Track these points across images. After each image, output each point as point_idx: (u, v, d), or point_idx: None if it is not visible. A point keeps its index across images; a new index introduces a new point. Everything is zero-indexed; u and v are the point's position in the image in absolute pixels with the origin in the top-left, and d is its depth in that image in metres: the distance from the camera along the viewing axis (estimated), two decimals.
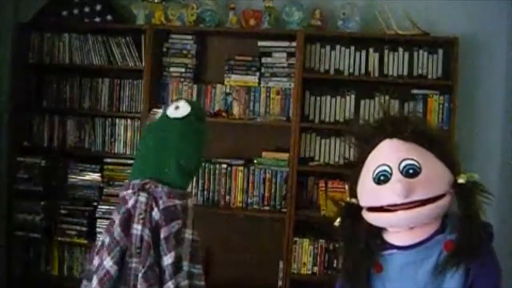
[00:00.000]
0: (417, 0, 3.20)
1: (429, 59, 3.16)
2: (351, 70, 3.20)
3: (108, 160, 3.37)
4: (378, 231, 1.49)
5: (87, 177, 3.38)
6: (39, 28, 3.41)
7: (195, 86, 3.35)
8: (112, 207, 3.14)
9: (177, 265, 1.89)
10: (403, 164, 1.40)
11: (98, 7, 3.34)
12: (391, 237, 1.47)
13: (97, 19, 3.34)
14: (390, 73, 3.18)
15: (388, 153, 1.45)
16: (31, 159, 3.38)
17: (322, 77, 3.23)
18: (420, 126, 1.51)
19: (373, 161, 1.48)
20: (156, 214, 1.91)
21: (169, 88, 3.36)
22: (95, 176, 3.37)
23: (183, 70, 3.35)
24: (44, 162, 3.38)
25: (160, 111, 2.23)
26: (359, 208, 1.50)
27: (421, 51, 3.16)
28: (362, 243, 1.48)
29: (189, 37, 3.35)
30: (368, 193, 1.47)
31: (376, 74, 3.18)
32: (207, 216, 3.28)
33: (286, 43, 3.25)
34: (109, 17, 3.33)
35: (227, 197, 3.29)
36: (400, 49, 3.17)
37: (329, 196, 3.10)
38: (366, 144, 1.53)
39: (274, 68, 3.28)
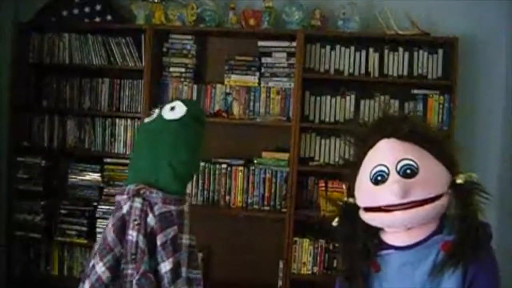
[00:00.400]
0: (417, 0, 3.20)
1: (429, 59, 3.16)
2: (351, 70, 3.20)
3: (108, 160, 3.37)
4: (375, 231, 1.49)
5: (87, 177, 3.38)
6: (39, 28, 3.41)
7: (195, 86, 3.35)
8: (112, 207, 3.14)
9: (175, 272, 1.87)
10: (400, 164, 1.40)
11: (98, 7, 3.34)
12: (388, 237, 1.47)
13: (97, 19, 3.34)
14: (390, 73, 3.18)
15: (385, 153, 1.44)
16: (31, 159, 3.38)
17: (322, 77, 3.22)
18: (418, 126, 1.50)
19: (370, 161, 1.47)
20: (151, 220, 1.88)
21: (169, 88, 3.36)
22: (95, 176, 3.37)
23: (183, 70, 3.35)
24: (44, 162, 3.38)
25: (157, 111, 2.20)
26: (356, 208, 1.50)
27: (421, 51, 3.16)
28: (360, 243, 1.48)
29: (189, 37, 3.35)
30: (365, 193, 1.47)
31: (376, 74, 3.18)
32: (207, 216, 3.28)
33: (286, 43, 3.25)
34: (109, 17, 3.33)
35: (227, 197, 3.29)
36: (400, 49, 3.17)
37: (326, 195, 3.10)
38: (364, 144, 1.53)
39: (274, 68, 3.28)
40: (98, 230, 3.28)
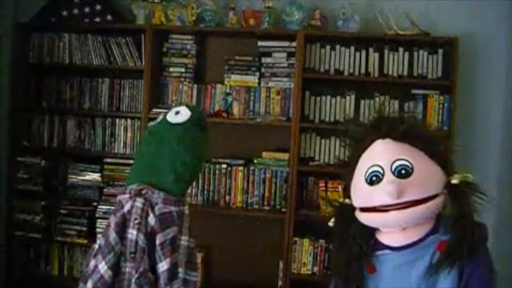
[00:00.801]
0: (417, 0, 3.20)
1: (429, 59, 3.16)
2: (351, 70, 3.20)
3: (108, 160, 3.37)
4: (371, 232, 1.49)
5: (87, 177, 3.38)
6: (39, 28, 3.41)
7: (195, 86, 3.35)
8: (112, 207, 3.14)
9: (172, 272, 1.87)
10: (395, 164, 1.40)
11: (98, 7, 3.34)
12: (384, 238, 1.47)
13: (97, 19, 3.34)
14: (390, 73, 3.18)
15: (380, 153, 1.45)
16: (31, 159, 3.38)
17: (322, 77, 3.22)
18: (413, 126, 1.50)
19: (365, 162, 1.47)
20: (151, 220, 1.89)
21: (169, 88, 3.36)
22: (95, 176, 3.37)
23: (183, 70, 3.35)
24: (44, 162, 3.38)
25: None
26: (352, 208, 1.50)
27: (421, 51, 3.16)
28: (355, 244, 1.48)
29: (189, 37, 3.35)
30: (360, 193, 1.47)
31: (376, 74, 3.18)
32: (207, 216, 3.28)
33: (286, 43, 3.25)
34: (109, 17, 3.33)
35: (227, 197, 3.29)
36: (400, 49, 3.17)
37: (323, 196, 3.10)
38: (359, 145, 1.53)
39: (274, 68, 3.28)
40: (98, 230, 3.28)
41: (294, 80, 3.16)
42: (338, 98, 3.23)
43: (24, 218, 3.37)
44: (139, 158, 2.10)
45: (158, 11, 3.28)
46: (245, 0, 3.33)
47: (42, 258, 3.44)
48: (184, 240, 1.93)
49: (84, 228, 3.36)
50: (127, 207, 1.92)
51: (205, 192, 3.30)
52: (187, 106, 2.12)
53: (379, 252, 1.46)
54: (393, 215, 1.37)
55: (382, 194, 1.38)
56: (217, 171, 3.29)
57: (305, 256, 3.20)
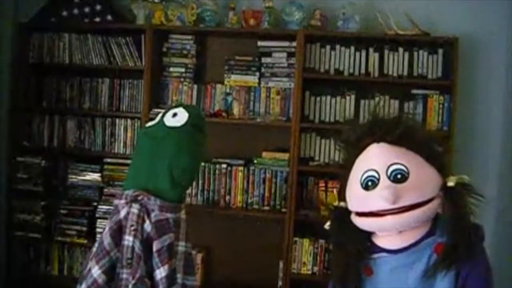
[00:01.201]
0: (417, 0, 3.20)
1: (429, 59, 3.16)
2: (351, 70, 3.20)
3: (108, 160, 3.37)
4: (367, 235, 1.49)
5: (87, 177, 3.38)
6: (39, 28, 3.41)
7: (195, 86, 3.35)
8: (112, 207, 3.14)
9: (171, 278, 1.87)
10: (390, 169, 1.39)
11: (98, 7, 3.33)
12: (380, 241, 1.46)
13: (97, 19, 3.34)
14: (390, 73, 3.18)
15: (376, 157, 1.43)
16: (31, 159, 3.37)
17: (322, 77, 3.22)
18: (409, 129, 1.47)
19: (360, 166, 1.46)
20: (147, 226, 1.89)
21: (169, 88, 3.36)
22: (95, 176, 3.37)
23: (183, 70, 3.35)
24: (44, 162, 3.37)
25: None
26: (348, 211, 1.49)
27: (421, 51, 3.16)
28: (352, 247, 1.47)
29: (189, 37, 3.35)
30: (356, 198, 1.46)
31: (376, 74, 3.18)
32: (207, 216, 3.28)
33: (286, 43, 3.25)
34: (109, 17, 3.33)
35: (227, 197, 3.29)
36: (400, 49, 3.17)
37: (320, 198, 3.10)
38: (354, 148, 1.51)
39: (274, 68, 3.28)
40: (98, 230, 3.28)
41: (294, 80, 3.16)
42: (338, 98, 3.23)
43: (24, 218, 3.37)
44: (136, 161, 2.08)
45: (158, 11, 3.28)
46: (245, 0, 3.32)
47: (42, 258, 3.44)
48: (181, 246, 1.93)
49: (84, 228, 3.36)
50: (123, 213, 1.91)
51: (205, 192, 3.30)
52: (184, 107, 2.08)
53: (375, 255, 1.46)
54: (389, 219, 1.37)
55: (378, 199, 1.37)
56: (217, 171, 3.29)
57: (305, 256, 3.20)
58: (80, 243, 3.38)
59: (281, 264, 3.19)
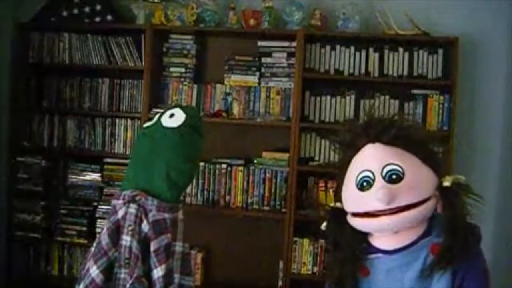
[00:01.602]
0: (417, 0, 3.20)
1: (429, 59, 3.16)
2: (351, 70, 3.20)
3: (108, 160, 3.37)
4: (363, 235, 1.49)
5: (87, 177, 3.38)
6: (39, 28, 3.41)
7: (195, 86, 3.35)
8: (110, 207, 3.14)
9: (168, 278, 1.88)
10: (385, 169, 1.39)
11: (98, 7, 3.34)
12: (376, 241, 1.46)
13: (97, 19, 3.34)
14: (390, 73, 3.18)
15: (371, 158, 1.43)
16: (31, 159, 3.37)
17: (322, 77, 3.22)
18: (404, 130, 1.47)
19: (356, 166, 1.46)
20: (145, 226, 1.89)
21: (169, 88, 3.36)
22: (95, 176, 3.37)
23: (183, 70, 3.35)
24: (44, 162, 3.38)
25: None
26: (344, 212, 1.49)
27: (421, 51, 3.16)
28: (348, 247, 1.47)
29: (189, 37, 3.35)
30: (351, 199, 1.46)
31: (376, 74, 3.18)
32: (207, 216, 3.29)
33: (286, 43, 3.25)
34: (109, 17, 3.33)
35: (227, 197, 3.29)
36: (400, 49, 3.17)
37: (313, 201, 3.10)
38: (349, 149, 1.51)
39: (274, 68, 3.28)
40: (98, 230, 3.27)
41: (294, 80, 3.16)
42: (338, 98, 3.23)
43: (24, 218, 3.37)
44: (133, 162, 2.08)
45: (158, 11, 3.28)
46: (245, 0, 3.32)
47: (42, 258, 3.44)
48: (178, 246, 1.93)
49: (84, 228, 3.36)
50: (120, 213, 1.92)
51: (205, 192, 3.30)
52: (182, 108, 2.07)
53: (372, 256, 1.46)
54: (384, 220, 1.36)
55: (373, 200, 1.36)
56: (217, 171, 3.29)
57: (305, 256, 3.20)
58: (80, 243, 3.38)
59: (281, 264, 3.19)
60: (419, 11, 3.15)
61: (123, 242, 1.89)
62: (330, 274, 1.56)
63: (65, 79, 3.42)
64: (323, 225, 1.55)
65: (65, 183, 3.41)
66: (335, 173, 1.58)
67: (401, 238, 1.41)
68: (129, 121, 3.37)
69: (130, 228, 1.88)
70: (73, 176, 3.39)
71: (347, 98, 3.22)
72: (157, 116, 2.09)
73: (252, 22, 3.22)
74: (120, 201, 1.94)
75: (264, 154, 3.29)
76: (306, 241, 3.20)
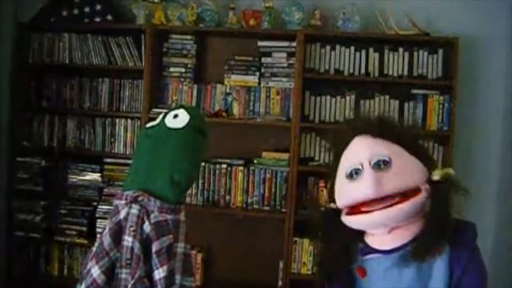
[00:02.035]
0: (417, 0, 3.20)
1: (429, 59, 3.16)
2: (351, 70, 3.20)
3: (108, 160, 3.37)
4: (360, 236, 1.49)
5: (87, 177, 3.38)
6: (39, 28, 3.41)
7: (195, 86, 3.35)
8: (112, 207, 3.14)
9: (169, 279, 1.87)
10: (373, 159, 1.41)
11: (98, 7, 3.34)
12: (373, 242, 1.46)
13: (97, 19, 3.34)
14: (390, 73, 3.18)
15: (359, 150, 1.46)
16: (31, 159, 3.37)
17: (322, 77, 3.22)
18: (391, 124, 1.52)
19: (345, 160, 1.49)
20: (147, 227, 1.89)
21: (169, 88, 3.36)
22: (95, 176, 3.37)
23: (183, 70, 3.35)
24: (44, 162, 3.38)
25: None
26: (338, 213, 1.49)
27: (421, 51, 3.16)
28: (342, 248, 1.47)
29: (189, 37, 3.35)
30: (342, 191, 1.48)
31: (376, 74, 3.18)
32: (207, 216, 3.29)
33: (286, 43, 3.25)
34: (109, 17, 3.33)
35: (227, 197, 3.29)
36: (400, 49, 3.17)
37: (312, 201, 3.10)
38: (339, 144, 1.54)
39: (274, 68, 3.28)
40: (98, 230, 3.28)
41: (294, 80, 3.16)
42: (338, 98, 3.23)
43: (24, 218, 3.37)
44: (136, 162, 2.08)
45: (158, 11, 3.28)
46: (245, 0, 3.32)
47: (42, 258, 3.44)
48: (180, 247, 1.93)
49: (84, 228, 3.36)
50: (123, 214, 1.91)
51: (205, 192, 3.30)
52: (186, 109, 2.06)
53: (369, 256, 1.46)
54: (376, 214, 1.37)
55: (362, 187, 1.38)
56: (217, 171, 3.29)
57: (305, 256, 3.20)
58: (80, 243, 3.38)
59: (281, 264, 3.19)
60: (419, 11, 3.16)
61: (125, 243, 1.89)
62: (327, 275, 1.56)
63: (65, 79, 3.42)
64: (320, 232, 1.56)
65: (65, 183, 3.41)
66: (328, 173, 1.58)
67: (397, 238, 1.41)
68: (129, 121, 3.37)
69: (131, 228, 1.88)
70: (73, 176, 3.39)
71: (347, 98, 3.22)
72: (160, 117, 2.08)
73: (252, 22, 3.22)
74: (123, 202, 1.93)
75: (264, 154, 3.29)
76: (306, 241, 3.20)
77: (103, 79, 3.40)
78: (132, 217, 1.89)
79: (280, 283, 3.20)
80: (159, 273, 1.86)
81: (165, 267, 1.86)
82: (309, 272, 3.20)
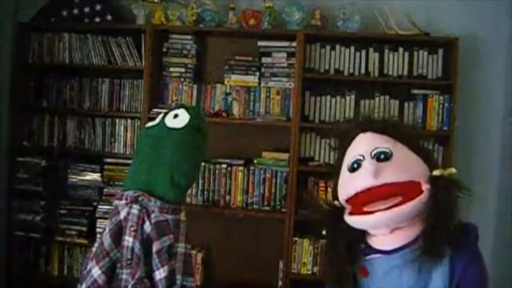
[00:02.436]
0: (417, 0, 3.20)
1: (429, 59, 3.16)
2: (351, 70, 3.20)
3: (108, 160, 3.37)
4: (362, 236, 1.49)
5: (87, 177, 3.38)
6: (39, 28, 3.41)
7: (195, 86, 3.35)
8: (112, 207, 3.14)
9: (170, 279, 1.87)
10: (374, 151, 1.43)
11: (98, 7, 3.34)
12: (375, 242, 1.46)
13: (97, 19, 3.34)
14: (390, 73, 3.18)
15: (362, 144, 1.49)
16: (31, 159, 3.37)
17: (322, 77, 3.23)
18: (393, 122, 1.57)
19: (349, 155, 1.51)
20: (147, 227, 1.88)
21: (169, 88, 3.36)
22: (95, 176, 3.37)
23: (183, 70, 3.35)
24: (44, 162, 3.38)
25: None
26: (341, 212, 1.49)
27: (421, 51, 3.16)
28: (345, 248, 1.47)
29: (189, 37, 3.35)
30: (344, 184, 1.49)
31: (376, 74, 3.18)
32: (207, 216, 3.28)
33: (286, 43, 3.25)
34: (109, 17, 3.34)
35: (227, 197, 3.29)
36: (400, 49, 3.17)
37: (312, 201, 3.10)
38: (343, 141, 1.57)
39: (274, 68, 3.28)
40: (98, 230, 3.28)
41: (294, 80, 3.16)
42: (338, 98, 3.23)
43: (24, 218, 3.37)
44: (136, 162, 2.07)
45: (158, 11, 3.28)
46: (245, 0, 3.32)
47: (42, 258, 3.44)
48: (181, 247, 1.93)
49: (84, 228, 3.36)
50: (123, 214, 1.91)
51: (205, 192, 3.30)
52: (186, 108, 2.06)
53: (371, 256, 1.46)
54: (378, 215, 1.37)
55: (362, 176, 1.41)
56: (217, 171, 3.29)
57: (305, 256, 3.20)
58: (80, 243, 3.37)
59: (281, 264, 3.19)
60: (419, 11, 3.16)
61: (125, 243, 1.89)
62: (327, 274, 1.57)
63: (65, 79, 3.42)
64: (324, 231, 1.56)
65: (65, 183, 3.41)
66: (332, 171, 1.59)
67: (398, 238, 1.41)
68: (129, 121, 3.37)
69: (132, 229, 1.88)
70: (73, 176, 3.39)
71: (347, 98, 3.22)
72: (160, 116, 2.08)
73: (252, 22, 3.22)
74: (123, 202, 1.93)
75: (264, 154, 3.29)
76: (306, 241, 3.20)
77: (103, 79, 3.40)
78: (133, 217, 1.89)
79: (280, 283, 3.20)
80: (159, 274, 1.86)
81: (165, 267, 1.85)
82: (309, 272, 3.21)
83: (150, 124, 2.14)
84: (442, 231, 1.35)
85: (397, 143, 1.45)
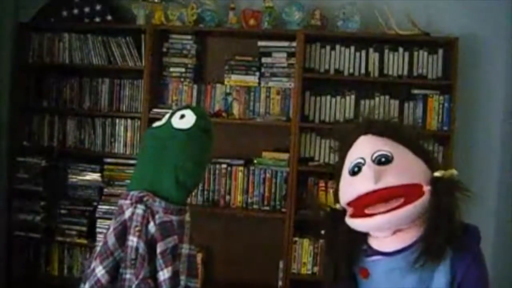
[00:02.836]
0: (417, 0, 3.20)
1: (429, 59, 3.16)
2: (351, 70, 3.20)
3: (108, 160, 3.37)
4: (363, 238, 1.49)
5: (87, 177, 3.38)
6: (39, 28, 3.41)
7: (195, 86, 3.35)
8: (112, 207, 3.15)
9: (174, 280, 1.87)
10: (375, 154, 1.43)
11: (98, 7, 3.34)
12: (376, 243, 1.46)
13: (97, 19, 3.34)
14: (390, 73, 3.18)
15: (363, 147, 1.48)
16: (31, 159, 3.37)
17: (322, 77, 3.23)
18: (394, 124, 1.56)
19: (349, 158, 1.50)
20: (152, 227, 1.88)
21: (169, 88, 3.36)
22: (95, 176, 3.37)
23: (183, 70, 3.35)
24: (44, 162, 3.38)
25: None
26: (342, 214, 1.49)
27: (421, 51, 3.16)
28: (344, 250, 1.48)
29: (189, 37, 3.35)
30: (345, 187, 1.48)
31: (376, 74, 3.18)
32: (207, 216, 3.28)
33: (286, 43, 3.25)
34: (109, 17, 3.33)
35: (227, 197, 3.29)
36: (400, 49, 3.17)
37: (312, 201, 3.10)
38: (344, 144, 1.56)
39: (274, 68, 3.28)
40: (98, 230, 3.28)
41: (294, 80, 3.16)
42: (338, 98, 3.23)
43: (24, 218, 3.37)
44: (141, 162, 2.07)
45: (158, 11, 3.28)
46: (245, 0, 3.32)
47: (42, 258, 3.44)
48: (185, 248, 1.92)
49: (84, 228, 3.35)
50: (127, 214, 1.91)
51: (205, 192, 3.30)
52: (192, 109, 2.06)
53: (372, 258, 1.46)
54: (379, 218, 1.37)
55: (363, 180, 1.40)
56: (217, 171, 3.29)
57: (305, 256, 3.20)
58: (80, 243, 3.38)
59: (281, 264, 3.19)
60: (419, 11, 3.16)
61: (130, 243, 1.88)
62: (325, 275, 1.57)
63: (65, 79, 3.42)
64: (323, 232, 1.56)
65: (65, 183, 3.40)
66: (334, 174, 1.59)
67: (400, 240, 1.41)
68: (129, 121, 3.37)
69: (136, 229, 1.87)
70: (73, 176, 3.39)
71: (347, 98, 3.22)
72: (166, 117, 2.07)
73: (252, 22, 3.22)
74: (128, 201, 1.93)
75: (264, 154, 3.29)
76: (306, 241, 3.20)
77: (103, 79, 3.40)
78: (137, 217, 1.88)
79: (280, 283, 3.20)
80: (163, 274, 1.85)
81: (169, 268, 1.85)
82: (309, 272, 3.21)
83: (156, 124, 2.14)
84: (444, 232, 1.34)
85: (398, 145, 1.45)
